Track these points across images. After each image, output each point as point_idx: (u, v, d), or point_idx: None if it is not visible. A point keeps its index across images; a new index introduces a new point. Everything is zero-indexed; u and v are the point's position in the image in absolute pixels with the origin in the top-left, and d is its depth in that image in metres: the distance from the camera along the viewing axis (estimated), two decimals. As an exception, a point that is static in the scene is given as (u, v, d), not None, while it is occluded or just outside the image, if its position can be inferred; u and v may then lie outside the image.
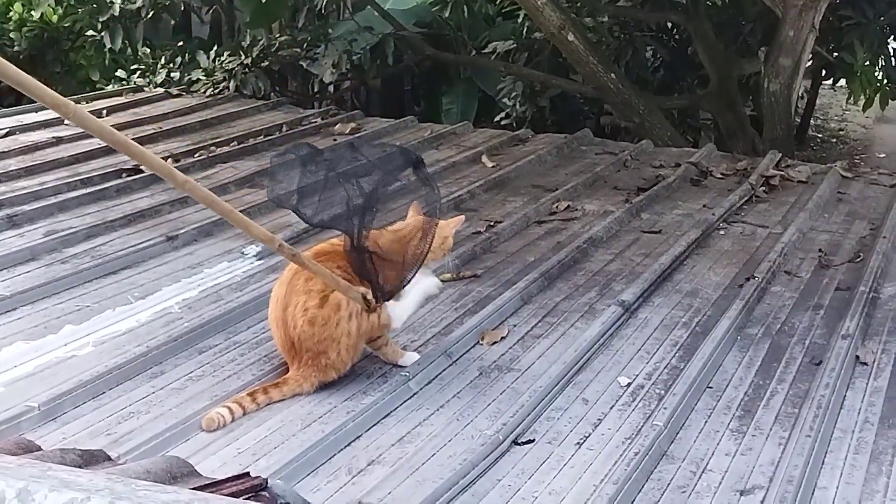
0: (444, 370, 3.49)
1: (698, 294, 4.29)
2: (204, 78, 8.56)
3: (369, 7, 9.63)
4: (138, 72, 8.92)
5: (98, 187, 5.59)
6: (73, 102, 2.26)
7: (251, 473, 2.00)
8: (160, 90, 8.40)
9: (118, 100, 8.02)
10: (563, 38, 7.88)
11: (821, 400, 3.21)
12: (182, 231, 4.84)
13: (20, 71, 2.05)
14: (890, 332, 3.89)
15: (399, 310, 3.40)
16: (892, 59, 9.57)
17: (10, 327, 3.77)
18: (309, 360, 3.25)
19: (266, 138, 6.98)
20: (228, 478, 1.89)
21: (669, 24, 9.76)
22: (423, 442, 3.02)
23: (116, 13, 8.78)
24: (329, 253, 3.34)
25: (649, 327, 3.92)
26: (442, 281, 4.33)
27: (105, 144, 6.40)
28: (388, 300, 3.35)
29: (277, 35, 9.62)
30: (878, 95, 9.82)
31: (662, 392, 3.34)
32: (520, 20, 9.52)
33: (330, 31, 9.50)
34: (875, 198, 5.93)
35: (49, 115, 7.28)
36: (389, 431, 3.09)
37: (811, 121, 12.23)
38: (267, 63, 8.80)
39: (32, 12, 9.87)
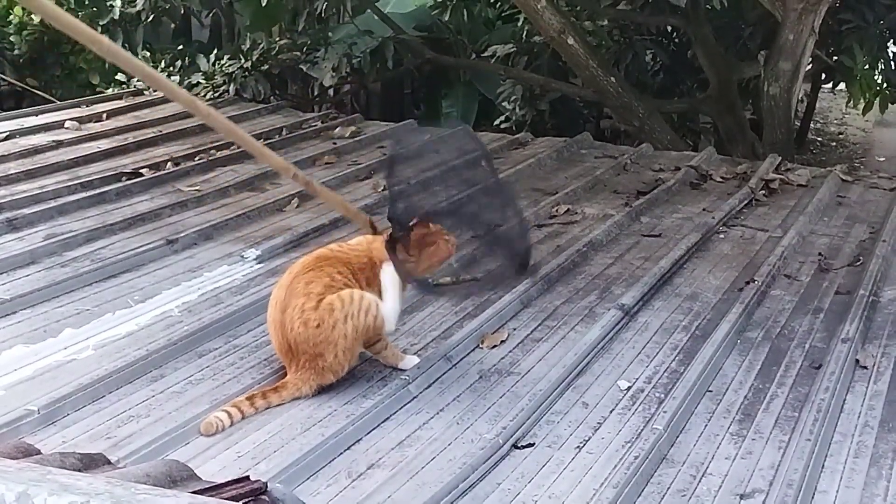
0: (443, 374, 3.50)
1: (698, 298, 4.29)
2: (204, 81, 8.58)
3: (369, 11, 9.64)
4: (138, 75, 8.92)
5: (98, 191, 5.59)
6: (106, 38, 2.62)
7: (251, 477, 2.00)
8: (160, 94, 8.40)
9: (118, 103, 8.02)
10: (563, 41, 7.88)
11: (821, 404, 3.21)
12: (182, 235, 4.84)
13: (57, 8, 2.21)
14: (890, 335, 3.89)
15: (388, 310, 3.38)
16: (892, 62, 9.57)
17: (9, 331, 3.77)
18: (306, 363, 3.25)
19: (266, 142, 6.98)
20: (228, 481, 1.89)
21: (669, 28, 9.75)
22: (422, 446, 3.02)
23: (116, 17, 8.79)
24: (330, 258, 3.35)
25: (649, 331, 3.92)
26: (441, 284, 4.33)
27: (104, 149, 6.45)
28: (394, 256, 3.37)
29: (277, 39, 9.62)
30: (877, 99, 9.82)
31: (662, 396, 3.34)
32: (519, 24, 9.51)
33: (330, 34, 9.50)
34: (875, 201, 5.93)
35: (49, 118, 7.30)
36: (389, 435, 3.09)
37: (811, 124, 12.24)
38: (267, 67, 8.80)
39: (33, 16, 9.88)
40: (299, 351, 3.24)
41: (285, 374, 3.33)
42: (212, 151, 6.60)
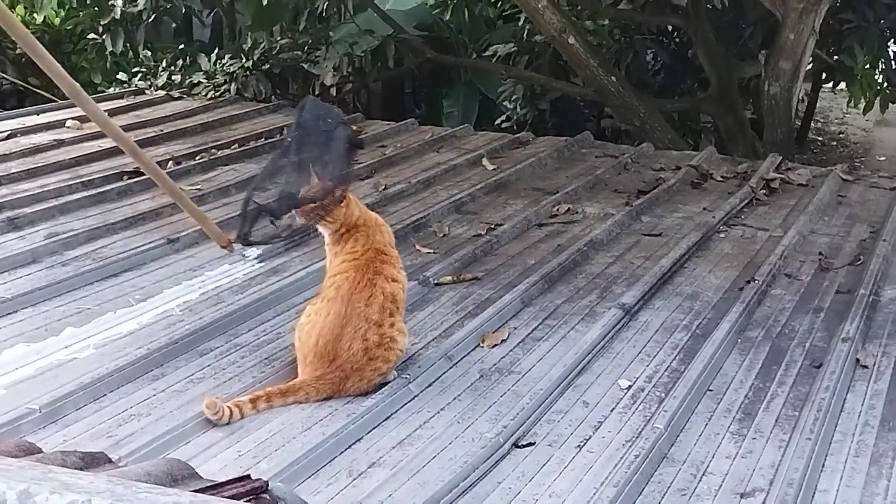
0: (444, 373, 3.50)
1: (699, 297, 4.29)
2: (205, 81, 8.58)
3: (370, 10, 9.65)
4: (139, 74, 8.94)
5: (99, 190, 5.60)
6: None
7: (252, 476, 2.00)
8: (161, 93, 8.41)
9: (119, 102, 8.03)
10: (564, 41, 7.88)
11: (821, 403, 3.21)
12: (183, 233, 4.84)
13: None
14: (890, 335, 3.90)
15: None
16: (893, 62, 9.56)
17: (11, 329, 3.78)
18: (333, 377, 3.25)
19: (267, 141, 7.00)
20: (229, 480, 1.89)
21: (670, 28, 9.76)
22: (423, 444, 3.03)
23: (118, 16, 8.80)
24: (374, 260, 3.39)
25: (650, 330, 3.92)
26: (442, 284, 4.34)
27: (105, 148, 6.44)
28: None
29: (278, 38, 9.63)
30: (878, 98, 9.80)
31: (663, 395, 3.35)
32: (520, 23, 9.52)
33: (331, 33, 9.51)
34: (875, 201, 5.93)
35: (50, 117, 7.31)
36: (390, 434, 3.09)
37: (811, 124, 12.23)
38: (268, 66, 8.81)
39: (35, 15, 9.89)
40: (338, 366, 3.25)
41: (289, 373, 3.33)
42: (213, 151, 6.61)
